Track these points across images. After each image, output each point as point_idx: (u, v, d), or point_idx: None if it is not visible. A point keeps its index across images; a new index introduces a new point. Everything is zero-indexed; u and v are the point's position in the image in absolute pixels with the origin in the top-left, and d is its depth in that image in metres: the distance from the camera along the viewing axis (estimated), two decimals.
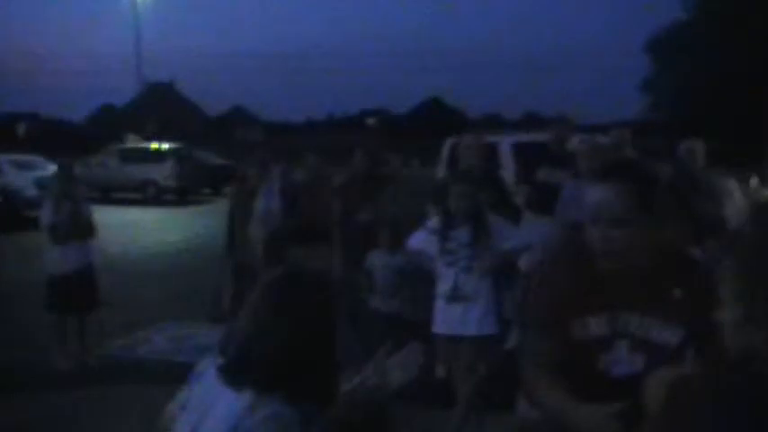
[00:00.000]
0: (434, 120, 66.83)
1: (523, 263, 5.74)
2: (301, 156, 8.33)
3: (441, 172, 11.20)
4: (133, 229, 17.69)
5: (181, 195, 25.99)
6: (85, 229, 7.20)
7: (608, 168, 2.44)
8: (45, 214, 7.09)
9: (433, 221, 5.23)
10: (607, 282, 2.39)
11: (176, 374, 6.86)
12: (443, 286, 4.99)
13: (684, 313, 2.35)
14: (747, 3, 35.16)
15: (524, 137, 11.74)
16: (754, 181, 9.50)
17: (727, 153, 8.82)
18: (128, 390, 6.39)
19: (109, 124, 57.66)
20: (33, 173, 18.78)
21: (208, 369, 2.40)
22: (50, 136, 45.42)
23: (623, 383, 2.28)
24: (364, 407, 2.34)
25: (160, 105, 64.11)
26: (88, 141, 38.22)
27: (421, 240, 5.23)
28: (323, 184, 7.79)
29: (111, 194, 25.51)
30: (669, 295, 2.37)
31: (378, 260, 6.33)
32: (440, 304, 5.01)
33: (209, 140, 37.97)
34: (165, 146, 27.28)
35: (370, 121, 69.58)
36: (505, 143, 11.78)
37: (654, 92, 44.18)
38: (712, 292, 1.84)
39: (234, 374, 2.23)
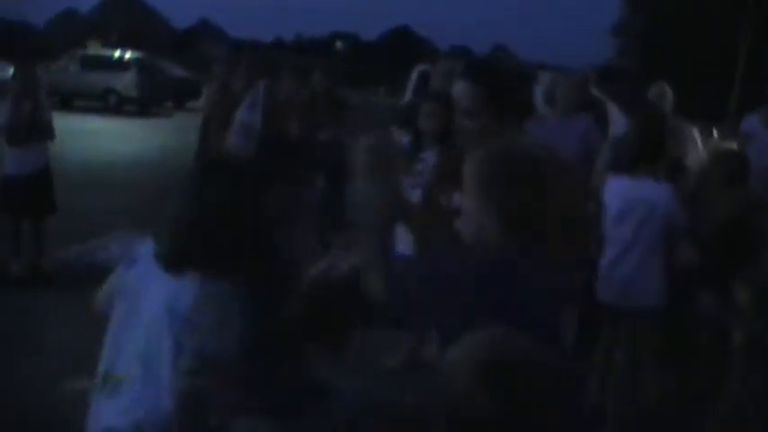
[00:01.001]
0: (403, 48, 66.38)
1: None
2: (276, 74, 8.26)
3: (406, 99, 11.16)
4: (92, 138, 17.47)
5: (142, 106, 25.60)
6: (45, 132, 7.06)
7: (464, 68, 2.94)
8: (2, 113, 6.90)
9: (403, 142, 5.23)
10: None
11: None
12: None
13: None
14: None
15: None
16: (714, 134, 9.64)
17: (693, 103, 8.89)
18: (82, 296, 6.35)
19: (71, 30, 56.40)
20: None
21: (139, 255, 2.48)
22: (9, 38, 44.39)
23: None
24: (337, 283, 2.49)
25: (125, 14, 62.81)
26: (50, 46, 37.43)
27: None
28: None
29: (71, 102, 25.08)
30: None
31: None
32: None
33: (173, 53, 37.39)
34: (128, 55, 26.79)
35: (339, 44, 68.97)
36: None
37: (624, 36, 44.17)
38: None
39: (173, 259, 2.40)
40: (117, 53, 27.27)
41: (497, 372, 1.60)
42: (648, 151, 4.76)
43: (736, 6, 29.15)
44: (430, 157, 4.98)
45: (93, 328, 4.00)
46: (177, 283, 2.40)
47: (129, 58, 26.42)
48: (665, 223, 4.60)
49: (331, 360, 2.68)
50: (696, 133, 6.72)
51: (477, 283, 2.09)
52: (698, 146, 6.55)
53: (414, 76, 12.10)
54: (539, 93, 6.58)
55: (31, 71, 7.19)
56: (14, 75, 7.46)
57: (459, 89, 2.85)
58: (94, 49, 30.65)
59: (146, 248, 2.52)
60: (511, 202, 2.13)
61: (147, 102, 25.96)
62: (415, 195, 4.98)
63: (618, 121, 6.40)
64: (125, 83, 25.17)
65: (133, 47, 30.14)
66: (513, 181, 2.13)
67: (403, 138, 5.50)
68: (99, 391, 2.56)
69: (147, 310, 2.47)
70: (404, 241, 3.70)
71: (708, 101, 22.18)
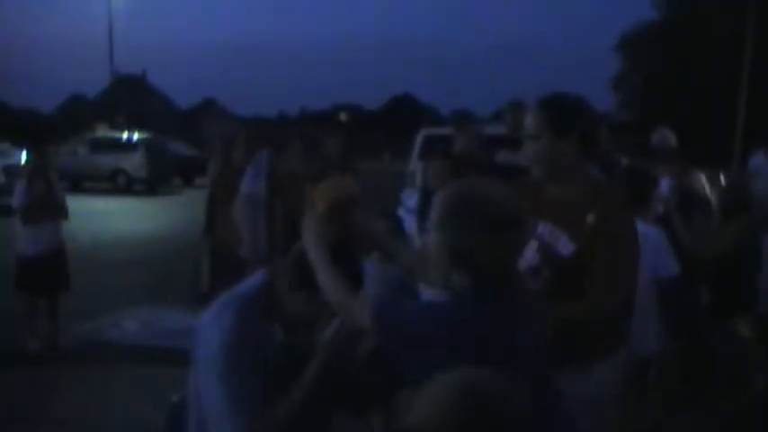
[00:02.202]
0: (406, 115, 67.00)
1: None
2: (282, 145, 8.37)
3: (413, 163, 11.29)
4: (103, 218, 17.62)
5: (151, 186, 25.88)
6: (58, 210, 7.20)
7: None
8: (17, 195, 7.05)
9: (412, 201, 5.30)
10: (537, 194, 3.07)
11: (146, 357, 6.97)
12: None
13: (587, 233, 2.95)
14: (715, 3, 35.55)
15: (489, 129, 11.90)
16: (721, 178, 9.71)
17: (697, 149, 8.98)
18: (97, 372, 6.41)
19: (79, 115, 57.23)
20: (2, 160, 18.62)
21: None
22: (20, 125, 45.04)
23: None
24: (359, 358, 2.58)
25: (131, 97, 63.63)
26: (58, 131, 37.93)
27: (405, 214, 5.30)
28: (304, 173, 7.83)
29: (81, 184, 25.35)
30: (582, 218, 2.96)
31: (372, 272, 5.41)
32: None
33: (179, 133, 37.80)
34: (136, 136, 27.15)
35: (342, 115, 69.69)
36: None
37: (623, 90, 44.55)
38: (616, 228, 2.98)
39: None
40: (125, 134, 27.64)
41: (468, 410, 1.60)
42: (635, 196, 4.89)
43: (732, 51, 29.44)
44: None
45: (108, 401, 4.05)
46: None
47: (137, 139, 26.76)
48: (653, 266, 4.65)
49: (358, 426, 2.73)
50: (704, 179, 6.85)
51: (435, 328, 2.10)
52: (707, 191, 6.67)
53: (418, 140, 12.26)
54: None
55: (42, 152, 7.33)
56: (27, 157, 7.60)
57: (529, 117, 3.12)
58: (102, 131, 31.04)
59: None
60: (455, 238, 2.15)
61: (156, 181, 26.22)
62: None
63: None
64: (133, 163, 25.48)
65: (140, 128, 30.56)
66: (460, 218, 2.14)
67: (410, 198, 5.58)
68: None
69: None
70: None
71: (712, 147, 22.26)
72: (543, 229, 3.04)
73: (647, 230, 4.81)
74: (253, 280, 2.77)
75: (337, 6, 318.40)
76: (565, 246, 3.00)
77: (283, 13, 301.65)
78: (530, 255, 3.02)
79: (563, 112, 3.07)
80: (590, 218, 2.98)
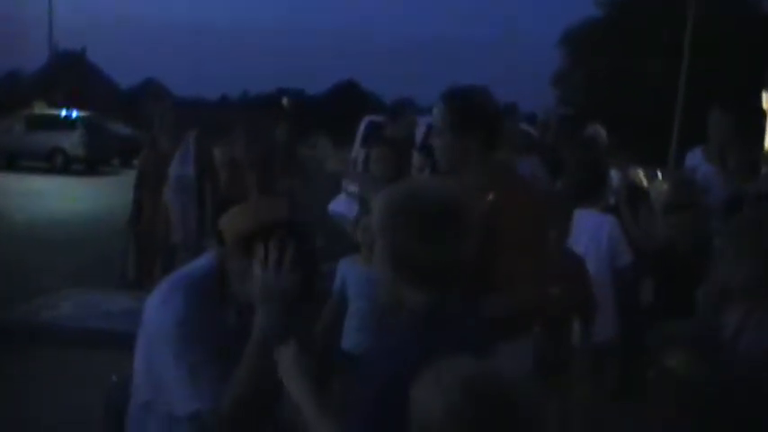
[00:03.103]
0: (349, 102, 66.80)
1: None
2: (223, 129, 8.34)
3: (355, 150, 11.33)
4: (40, 198, 17.31)
5: (89, 165, 25.50)
6: None
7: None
8: None
9: (354, 186, 5.32)
10: None
11: (82, 339, 6.89)
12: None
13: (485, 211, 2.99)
14: (657, 3, 36.18)
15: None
16: (658, 175, 9.92)
17: (635, 148, 9.18)
18: (32, 354, 6.33)
19: (16, 91, 55.92)
20: None
21: None
22: None
23: None
24: None
25: (70, 74, 62.41)
26: None
27: (341, 204, 5.31)
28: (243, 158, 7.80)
29: (17, 162, 24.85)
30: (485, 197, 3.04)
31: (351, 270, 4.68)
32: None
33: (119, 112, 37.21)
34: (75, 114, 26.69)
35: (285, 99, 69.19)
36: (421, 124, 12.00)
37: (564, 87, 45.07)
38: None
39: None
40: (63, 112, 27.16)
41: (471, 403, 1.61)
42: (591, 183, 4.98)
43: (671, 51, 30.08)
44: None
45: (44, 383, 4.02)
46: None
47: (76, 118, 26.32)
48: (609, 253, 4.77)
49: None
50: (642, 175, 7.00)
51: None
52: (644, 186, 6.83)
53: (361, 127, 12.31)
54: None
55: None
56: None
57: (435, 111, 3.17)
58: (40, 109, 30.42)
59: None
60: (396, 243, 2.11)
61: (95, 160, 25.84)
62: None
63: None
64: (72, 142, 25.06)
65: (78, 106, 30.04)
66: (398, 221, 2.09)
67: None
68: None
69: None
70: None
71: (649, 146, 22.69)
72: None
73: (602, 219, 4.93)
74: (200, 261, 2.77)
75: None
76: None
77: None
78: None
79: (465, 109, 3.13)
80: (490, 196, 3.05)
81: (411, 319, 2.11)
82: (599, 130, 7.25)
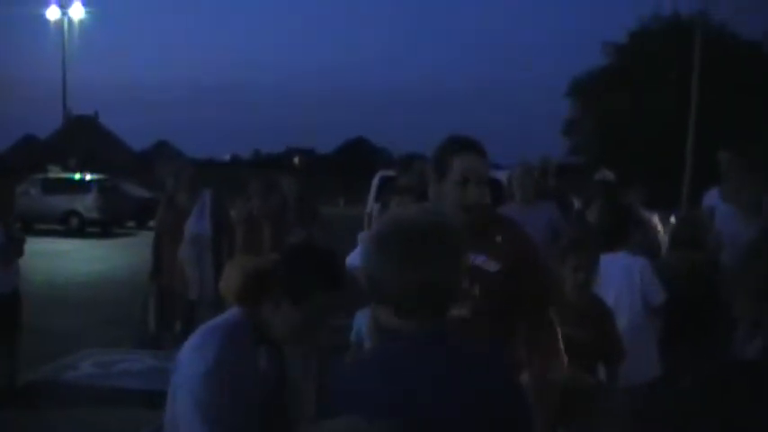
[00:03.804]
0: (360, 158, 67.19)
1: None
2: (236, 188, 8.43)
3: (370, 205, 11.39)
4: (56, 260, 17.43)
5: (104, 227, 25.65)
6: (18, 251, 7.01)
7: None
8: None
9: None
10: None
11: (103, 398, 6.90)
12: None
13: (502, 252, 3.22)
14: (664, 50, 36.43)
15: None
16: (672, 219, 9.97)
17: (648, 193, 9.24)
18: (55, 414, 6.34)
19: (31, 155, 56.51)
20: None
21: None
22: None
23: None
24: None
25: (83, 138, 63.08)
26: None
27: (358, 256, 5.34)
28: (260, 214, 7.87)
29: (33, 225, 25.01)
30: (493, 239, 3.25)
31: (366, 320, 4.67)
32: None
33: (132, 174, 37.52)
34: (89, 177, 26.95)
35: (296, 159, 69.75)
36: None
37: (574, 135, 45.19)
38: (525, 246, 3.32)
39: None
40: (77, 175, 27.41)
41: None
42: (617, 227, 5.05)
43: (680, 97, 30.24)
44: None
45: None
46: None
47: (90, 180, 26.56)
48: (642, 293, 4.80)
49: None
50: (657, 220, 7.10)
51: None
52: (660, 231, 6.92)
53: (375, 182, 12.38)
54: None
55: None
56: None
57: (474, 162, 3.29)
58: (55, 172, 30.73)
59: None
60: (370, 267, 2.07)
61: (109, 222, 26.00)
62: None
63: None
64: (87, 204, 25.25)
65: (92, 170, 30.32)
66: (373, 246, 2.06)
67: None
68: None
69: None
70: None
71: (661, 191, 22.73)
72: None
73: (632, 260, 4.96)
74: (232, 312, 2.79)
75: (291, 49, 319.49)
76: (489, 264, 3.22)
77: (237, 55, 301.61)
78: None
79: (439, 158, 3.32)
80: (498, 239, 3.26)
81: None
82: (607, 174, 7.36)
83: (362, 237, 11.02)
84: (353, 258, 5.50)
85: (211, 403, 2.54)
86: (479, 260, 3.18)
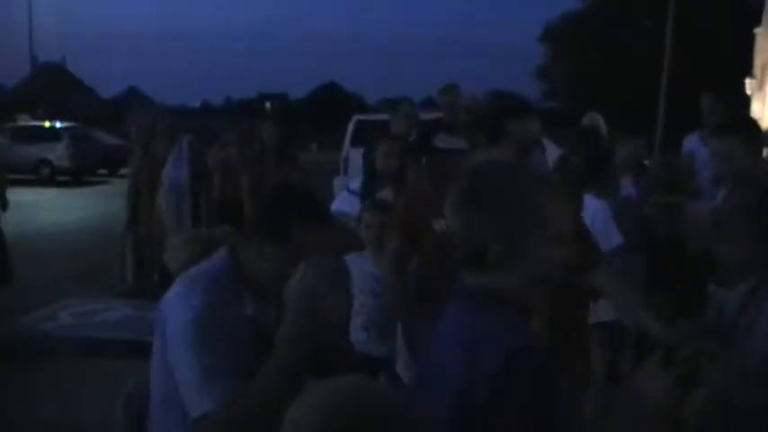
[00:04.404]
0: (333, 104, 66.80)
1: None
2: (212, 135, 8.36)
3: (345, 150, 11.33)
4: (28, 210, 17.17)
5: (76, 176, 25.39)
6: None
7: None
8: None
9: (355, 183, 5.31)
10: None
11: (83, 349, 6.83)
12: None
13: None
14: None
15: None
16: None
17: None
18: (34, 365, 6.29)
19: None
20: None
21: None
22: None
23: None
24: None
25: (52, 86, 62.20)
26: None
27: (344, 201, 5.30)
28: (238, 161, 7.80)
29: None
30: None
31: (355, 267, 4.45)
32: None
33: (102, 122, 37.07)
34: (59, 125, 26.58)
35: (268, 104, 69.10)
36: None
37: (548, 79, 45.22)
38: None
39: None
40: (47, 124, 27.03)
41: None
42: (593, 169, 5.00)
43: (653, 44, 30.22)
44: (385, 197, 5.08)
45: (51, 395, 4.01)
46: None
47: (61, 129, 26.21)
48: (600, 236, 4.82)
49: None
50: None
51: None
52: None
53: (350, 126, 12.31)
54: None
55: None
56: None
57: None
58: (23, 121, 30.28)
59: None
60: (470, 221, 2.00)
61: (81, 171, 25.73)
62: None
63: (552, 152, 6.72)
64: (58, 153, 24.96)
65: (61, 118, 29.90)
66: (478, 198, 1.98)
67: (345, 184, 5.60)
68: None
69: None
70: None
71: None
72: None
73: (589, 202, 4.94)
74: (213, 260, 2.75)
75: None
76: None
77: (207, 2, 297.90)
78: None
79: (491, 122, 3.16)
80: None
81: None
82: (597, 118, 7.24)
83: (338, 182, 11.01)
84: (339, 205, 5.47)
85: (205, 348, 2.51)
86: None
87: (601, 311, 4.70)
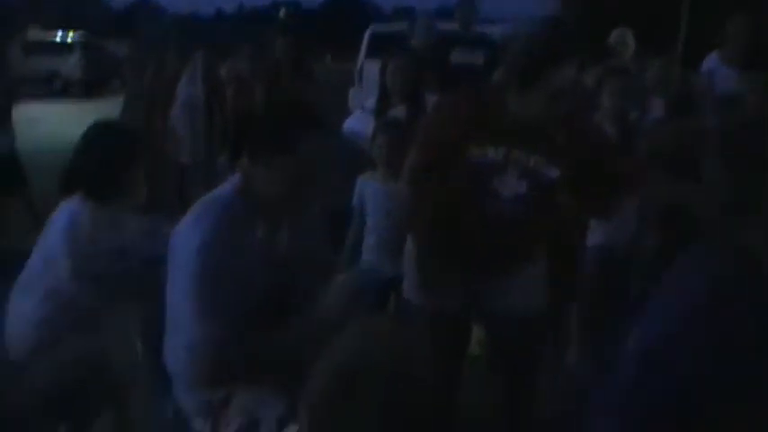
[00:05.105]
0: (346, 12, 65.97)
1: None
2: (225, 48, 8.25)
3: (360, 61, 11.16)
4: (40, 125, 17.16)
5: (88, 88, 25.24)
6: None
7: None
8: None
9: (370, 102, 5.22)
10: (508, 122, 3.07)
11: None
12: None
13: (564, 156, 3.09)
14: None
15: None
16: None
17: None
18: None
19: (8, 16, 55.19)
20: None
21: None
22: None
23: (509, 200, 3.13)
24: None
25: None
26: None
27: (358, 120, 5.21)
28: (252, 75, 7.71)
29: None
30: (555, 139, 3.08)
31: (368, 186, 4.65)
32: None
33: (113, 32, 36.78)
34: (71, 37, 26.33)
35: (282, 12, 68.29)
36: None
37: None
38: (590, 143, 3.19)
39: (66, 182, 3.28)
40: (59, 36, 26.77)
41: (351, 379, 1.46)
42: None
43: None
44: (398, 114, 4.98)
45: None
46: (74, 204, 3.16)
47: (72, 41, 25.97)
48: None
49: None
50: None
51: None
52: None
53: (366, 37, 12.07)
54: None
55: None
56: None
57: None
58: (35, 32, 30.01)
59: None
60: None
61: (93, 83, 25.58)
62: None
63: None
64: (69, 66, 24.78)
65: (71, 27, 29.61)
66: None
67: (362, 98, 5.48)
68: None
69: (54, 231, 3.18)
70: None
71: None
72: (521, 154, 3.10)
73: None
74: (225, 186, 2.73)
75: None
76: (550, 170, 3.11)
77: None
78: (513, 182, 3.12)
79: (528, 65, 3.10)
80: (561, 139, 3.09)
81: None
82: (626, 35, 6.88)
83: (353, 94, 10.87)
84: (352, 123, 5.37)
85: (206, 278, 2.48)
86: (535, 161, 3.09)
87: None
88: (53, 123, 17.95)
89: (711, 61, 6.42)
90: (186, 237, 2.59)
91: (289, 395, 2.54)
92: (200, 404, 2.67)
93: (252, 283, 2.61)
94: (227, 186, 2.72)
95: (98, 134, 3.49)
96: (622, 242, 4.79)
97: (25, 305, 3.19)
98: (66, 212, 3.15)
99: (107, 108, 20.99)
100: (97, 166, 3.22)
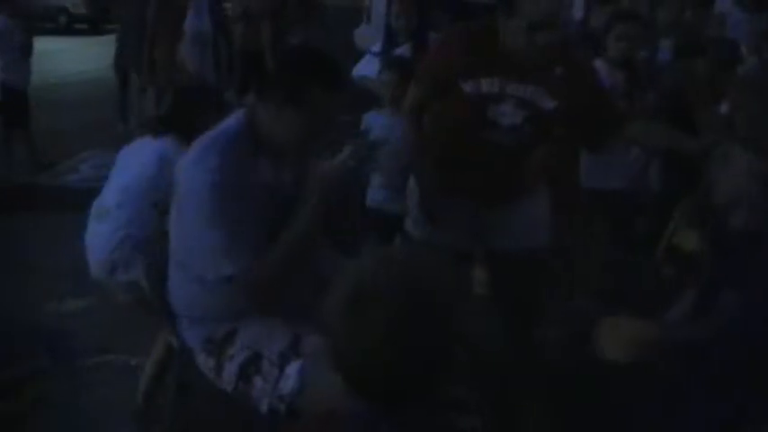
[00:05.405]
0: None
1: None
2: None
3: None
4: (46, 59, 17.01)
5: (93, 24, 24.96)
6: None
7: None
8: None
9: (378, 45, 5.21)
10: (501, 54, 3.07)
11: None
12: None
13: (561, 87, 3.10)
14: None
15: None
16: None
17: None
18: (56, 218, 6.35)
19: None
20: None
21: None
22: None
23: (506, 130, 3.16)
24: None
25: None
26: None
27: (367, 64, 5.21)
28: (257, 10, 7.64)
29: None
30: (552, 72, 3.10)
31: (375, 120, 4.65)
32: None
33: None
34: None
35: None
36: None
37: None
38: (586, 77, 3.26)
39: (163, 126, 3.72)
40: None
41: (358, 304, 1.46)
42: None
43: None
44: (404, 52, 4.96)
45: (74, 248, 4.05)
46: (165, 143, 3.56)
47: None
48: None
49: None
50: None
51: None
52: None
53: None
54: None
55: None
56: None
57: None
58: None
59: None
60: None
61: (98, 19, 25.29)
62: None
63: None
64: (75, 0, 24.47)
65: None
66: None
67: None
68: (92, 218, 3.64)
69: (139, 164, 3.63)
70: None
71: None
72: (517, 86, 3.12)
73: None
74: (230, 120, 2.69)
75: None
76: (546, 101, 3.12)
77: None
78: (510, 112, 3.14)
79: None
80: (558, 71, 3.11)
81: None
82: None
83: (360, 31, 10.73)
84: (363, 68, 5.35)
85: (219, 212, 2.47)
86: (532, 92, 3.11)
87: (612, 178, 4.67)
88: (61, 58, 17.83)
89: (724, 3, 6.35)
90: (193, 176, 2.56)
91: (293, 329, 2.58)
92: (204, 340, 2.68)
93: (260, 219, 2.59)
94: (232, 122, 2.69)
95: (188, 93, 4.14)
96: (627, 183, 4.80)
97: (102, 230, 3.55)
98: (158, 149, 3.56)
99: (112, 44, 20.88)
100: (189, 119, 3.51)
